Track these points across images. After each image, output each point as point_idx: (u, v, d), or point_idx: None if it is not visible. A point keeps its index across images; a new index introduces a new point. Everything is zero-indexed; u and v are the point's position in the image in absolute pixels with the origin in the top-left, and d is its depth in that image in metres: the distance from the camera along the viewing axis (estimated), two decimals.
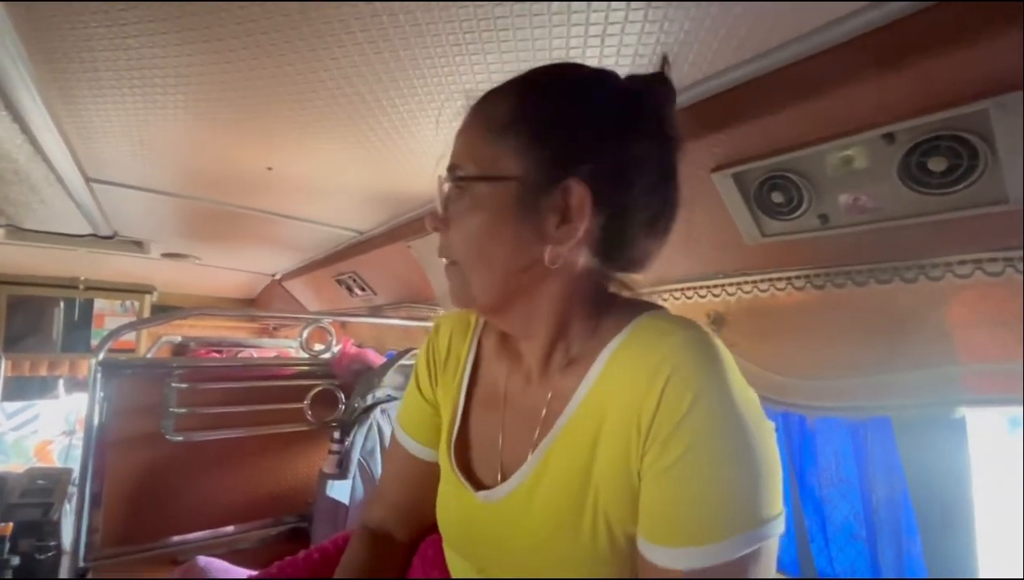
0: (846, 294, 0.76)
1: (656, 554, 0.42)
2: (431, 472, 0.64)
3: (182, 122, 1.05)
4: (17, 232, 2.07)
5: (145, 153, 1.24)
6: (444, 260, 0.53)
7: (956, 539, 0.78)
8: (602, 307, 0.53)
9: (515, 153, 0.48)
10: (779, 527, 0.41)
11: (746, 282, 0.86)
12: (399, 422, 0.71)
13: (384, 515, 0.71)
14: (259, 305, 3.76)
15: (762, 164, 0.70)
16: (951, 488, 0.78)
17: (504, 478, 0.54)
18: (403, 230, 1.57)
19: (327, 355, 1.57)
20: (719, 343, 0.45)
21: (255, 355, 2.70)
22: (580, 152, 0.47)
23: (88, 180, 1.40)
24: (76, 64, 0.83)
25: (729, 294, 0.87)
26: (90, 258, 2.71)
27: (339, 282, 2.31)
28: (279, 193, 1.52)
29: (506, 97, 0.50)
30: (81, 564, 1.22)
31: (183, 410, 1.33)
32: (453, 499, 0.58)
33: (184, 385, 1.34)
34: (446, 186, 0.51)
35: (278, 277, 3.11)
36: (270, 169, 1.26)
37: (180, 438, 1.32)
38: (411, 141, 1.04)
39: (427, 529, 0.72)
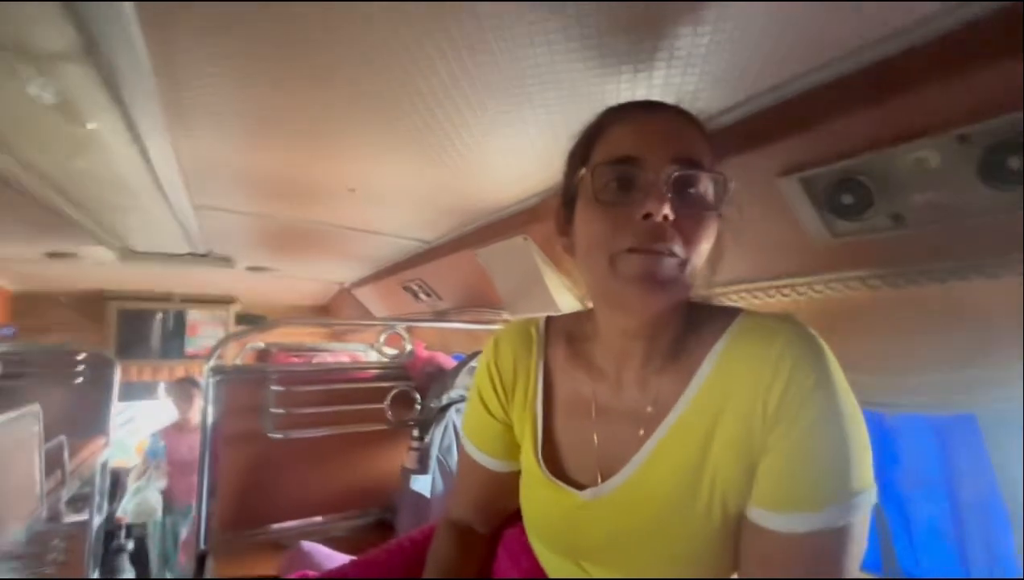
0: (923, 292, 0.76)
1: (776, 521, 0.48)
2: (503, 477, 0.72)
3: (277, 152, 1.18)
4: (128, 254, 2.34)
5: (242, 180, 1.39)
6: (664, 252, 0.50)
7: None
8: (693, 311, 0.59)
9: (712, 161, 0.55)
10: (875, 494, 0.48)
11: (816, 282, 0.87)
12: (466, 435, 0.76)
13: (463, 511, 0.78)
14: (330, 312, 4.01)
15: (831, 168, 0.72)
16: None
17: (604, 477, 0.59)
18: (469, 239, 1.65)
19: (402, 358, 1.69)
20: (815, 331, 0.52)
21: (329, 359, 2.89)
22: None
23: (195, 207, 1.57)
24: (197, 100, 0.95)
25: (799, 294, 0.88)
26: (184, 273, 3.00)
27: (405, 289, 2.44)
28: (354, 209, 1.64)
29: (690, 118, 0.57)
30: (202, 547, 1.38)
31: (280, 410, 1.47)
32: (550, 503, 0.63)
33: (281, 388, 1.48)
34: (673, 174, 0.51)
35: (347, 285, 3.31)
36: (353, 190, 1.37)
37: (279, 436, 1.47)
38: (479, 157, 1.11)
39: (506, 520, 0.79)
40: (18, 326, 3.16)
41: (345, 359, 2.82)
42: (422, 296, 2.36)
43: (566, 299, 1.38)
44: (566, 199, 0.61)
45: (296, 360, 2.98)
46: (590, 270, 0.56)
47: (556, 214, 0.63)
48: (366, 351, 3.04)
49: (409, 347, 1.70)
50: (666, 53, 0.68)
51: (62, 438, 2.01)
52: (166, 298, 3.55)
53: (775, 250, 0.89)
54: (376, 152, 1.14)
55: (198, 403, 2.49)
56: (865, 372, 0.83)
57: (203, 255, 2.38)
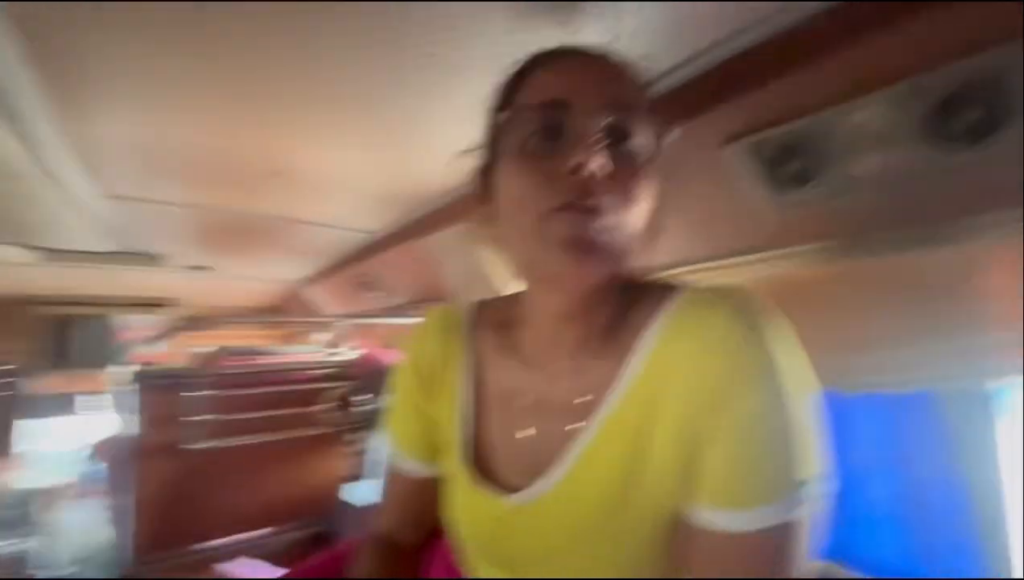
0: (877, 263, 0.72)
1: (723, 520, 0.43)
2: (434, 484, 0.65)
3: (192, 129, 1.06)
4: (41, 253, 2.13)
5: (158, 165, 1.26)
6: (597, 210, 0.44)
7: (999, 514, 0.74)
8: (632, 289, 0.52)
9: (649, 111, 0.48)
10: (828, 479, 0.44)
11: (766, 258, 0.83)
12: (394, 444, 0.68)
13: (391, 526, 0.70)
14: (281, 313, 3.81)
15: (776, 132, 0.67)
16: (993, 461, 0.74)
17: (537, 476, 0.52)
18: (416, 228, 1.56)
19: (347, 358, 1.58)
20: (765, 303, 0.46)
21: (274, 362, 2.73)
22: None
23: (105, 196, 1.42)
24: (83, 78, 0.84)
25: (747, 272, 0.84)
26: (112, 275, 2.78)
27: (356, 285, 2.32)
28: (290, 197, 1.53)
29: (625, 65, 0.50)
30: (119, 572, 1.25)
31: (208, 417, 1.35)
32: (478, 509, 0.56)
33: (208, 393, 1.36)
34: (607, 120, 0.45)
35: (297, 284, 3.15)
36: (278, 173, 1.26)
37: (205, 446, 1.34)
38: (419, 138, 1.03)
39: (435, 531, 0.71)
40: None
41: (294, 360, 2.68)
42: (373, 291, 2.25)
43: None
44: (485, 161, 0.53)
45: (240, 363, 2.80)
46: (515, 236, 0.48)
47: (478, 179, 0.55)
48: (323, 352, 2.89)
49: (353, 345, 1.59)
50: (596, 10, 0.62)
51: None
52: (95, 302, 3.28)
53: (721, 227, 0.84)
54: (309, 133, 1.04)
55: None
56: (820, 351, 0.79)
57: (129, 253, 2.18)
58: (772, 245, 0.82)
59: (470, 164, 0.56)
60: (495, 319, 0.61)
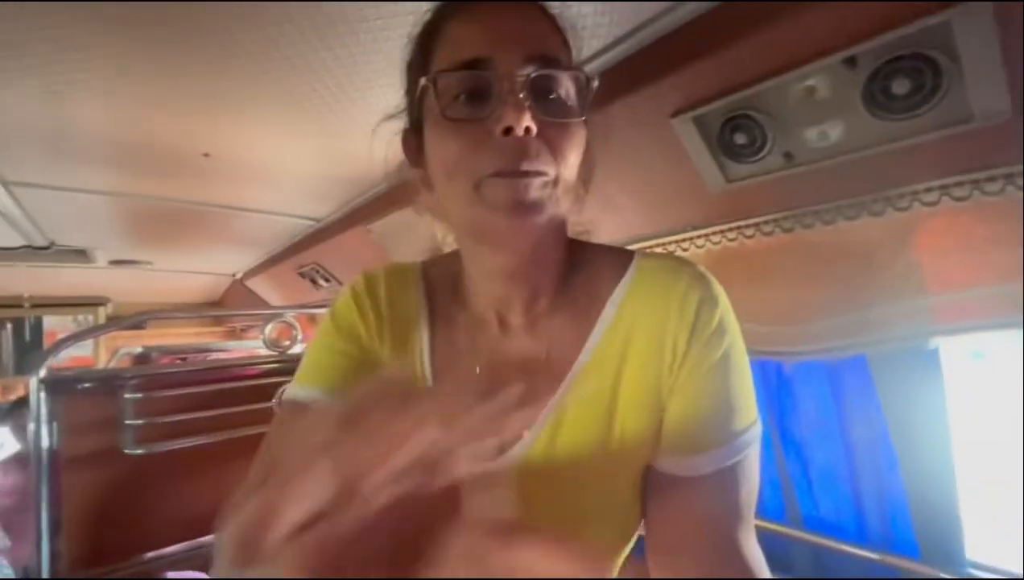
0: (815, 234, 0.74)
1: (685, 465, 0.47)
2: None
3: (100, 108, 0.96)
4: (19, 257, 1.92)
5: (65, 148, 1.14)
6: (526, 165, 0.43)
7: (936, 471, 0.79)
8: (578, 252, 0.54)
9: (570, 59, 0.48)
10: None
11: (713, 233, 0.84)
12: (305, 382, 0.55)
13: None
14: (223, 307, 3.61)
15: (722, 104, 0.67)
16: (929, 421, 0.78)
17: (503, 447, 0.50)
18: (361, 213, 1.50)
19: (294, 351, 1.51)
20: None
21: (217, 358, 2.60)
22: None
23: (5, 183, 1.28)
24: None
25: (698, 246, 0.84)
26: (33, 273, 2.55)
27: (302, 275, 2.22)
28: (224, 183, 1.43)
29: (554, 16, 0.48)
30: None
31: (140, 421, 1.25)
32: None
33: (140, 395, 1.26)
34: (531, 76, 0.43)
35: (239, 276, 2.99)
36: (206, 156, 1.17)
37: (140, 451, 1.25)
38: (357, 117, 0.97)
39: None
40: None
41: (238, 356, 2.55)
42: (321, 282, 2.16)
43: None
44: (412, 120, 0.51)
45: (180, 363, 2.65)
46: (452, 202, 0.47)
47: (404, 141, 0.52)
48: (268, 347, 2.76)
49: (301, 338, 1.52)
50: None
51: None
52: (15, 304, 3.01)
53: (670, 202, 0.84)
54: (229, 107, 0.96)
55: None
56: (764, 322, 0.81)
57: (44, 248, 2.00)
58: (719, 218, 0.83)
59: (395, 129, 0.53)
60: (441, 277, 0.58)
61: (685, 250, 0.86)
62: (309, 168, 1.29)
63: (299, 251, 2.02)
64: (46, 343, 3.15)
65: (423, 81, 0.45)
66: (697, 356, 0.47)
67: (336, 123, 1.01)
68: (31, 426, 1.18)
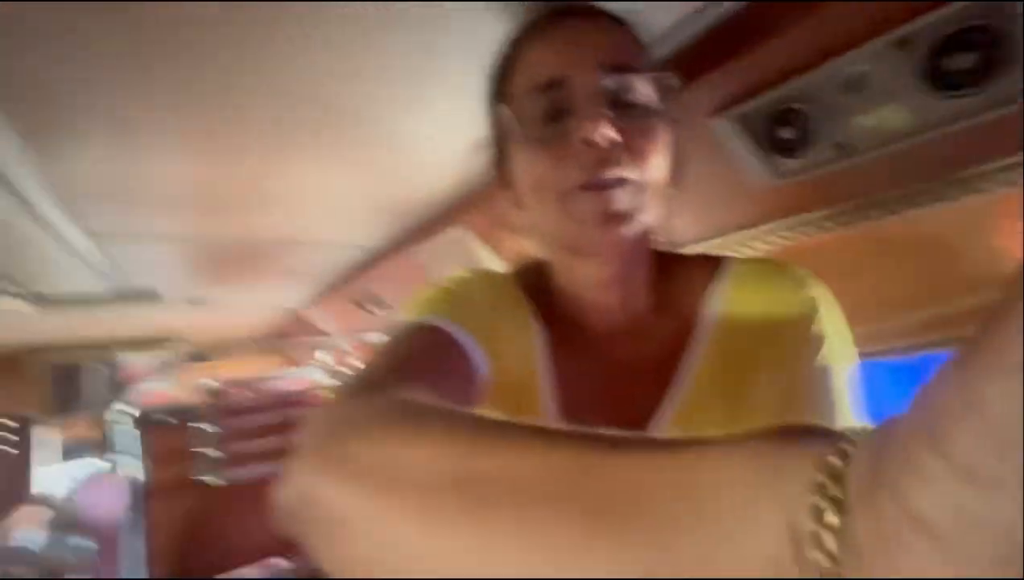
0: (883, 226, 0.69)
1: None
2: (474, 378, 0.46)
3: (170, 160, 1.04)
4: (41, 300, 2.11)
5: (135, 198, 1.24)
6: (610, 173, 0.43)
7: None
8: (664, 260, 0.54)
9: (648, 61, 0.49)
10: None
11: (766, 233, 0.80)
12: (443, 314, 0.47)
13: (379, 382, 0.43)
14: (285, 338, 3.79)
15: (764, 99, 0.64)
16: None
17: None
18: (407, 239, 1.54)
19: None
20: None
21: (281, 387, 2.71)
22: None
23: (90, 235, 1.40)
24: (53, 118, 0.82)
25: (751, 248, 0.81)
26: (115, 316, 2.77)
27: (355, 303, 2.30)
28: (279, 220, 1.51)
29: (615, 18, 0.49)
30: None
31: (214, 452, 1.32)
32: None
33: (213, 427, 1.33)
34: (607, 85, 0.43)
35: (298, 308, 3.13)
36: (264, 197, 1.24)
37: (215, 479, 1.32)
38: (403, 147, 1.00)
39: None
40: None
41: (301, 386, 2.66)
42: (372, 308, 2.22)
43: None
44: (497, 151, 0.54)
45: (250, 394, 2.79)
46: (542, 218, 0.50)
47: (494, 167, 0.55)
48: (330, 373, 2.86)
49: (357, 363, 1.57)
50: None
51: None
52: (99, 345, 3.27)
53: (715, 204, 0.82)
54: (290, 153, 1.03)
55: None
56: None
57: (125, 292, 2.17)
58: (772, 217, 0.79)
59: (482, 156, 0.57)
60: (534, 284, 0.58)
61: (736, 253, 0.83)
62: (356, 198, 1.35)
63: (350, 280, 2.09)
64: (129, 381, 3.40)
65: (503, 108, 0.49)
66: (806, 362, 0.46)
67: (382, 159, 1.05)
68: (116, 458, 1.28)
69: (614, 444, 0.22)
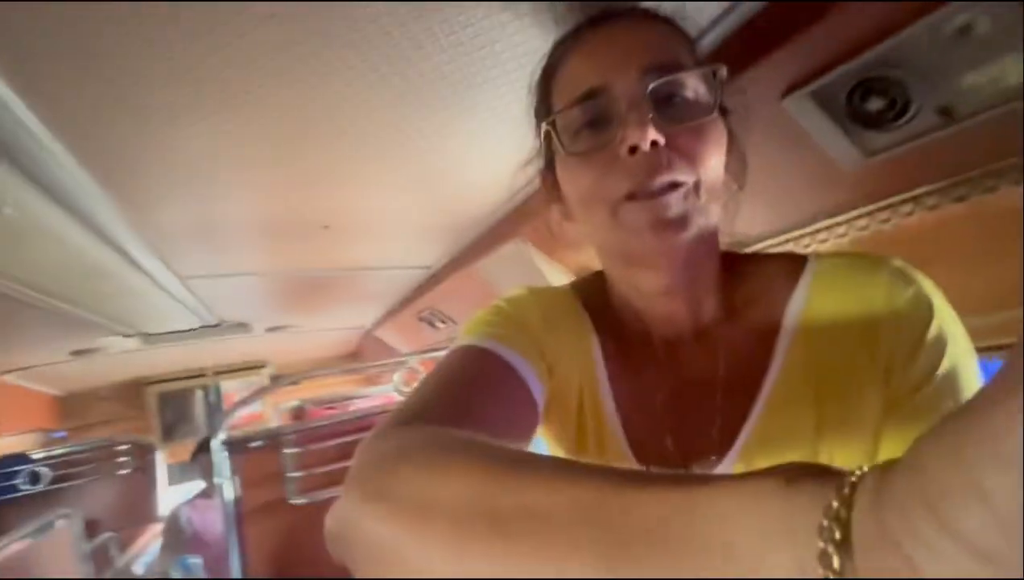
0: (1000, 200, 0.59)
1: None
2: (530, 401, 0.45)
3: (244, 201, 1.10)
4: (147, 337, 2.34)
5: (220, 241, 1.33)
6: (660, 180, 0.40)
7: None
8: (738, 263, 0.50)
9: (693, 57, 0.46)
10: None
11: (857, 217, 0.71)
12: (493, 337, 0.47)
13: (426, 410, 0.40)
14: (358, 357, 3.97)
15: (846, 69, 0.57)
16: None
17: (690, 457, 0.47)
18: (467, 255, 1.55)
19: None
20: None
21: (360, 406, 2.82)
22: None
23: (181, 278, 1.53)
24: (142, 177, 0.89)
25: (839, 236, 0.73)
26: (209, 347, 3.01)
27: (421, 320, 2.35)
28: (343, 248, 1.57)
29: (655, 18, 0.46)
30: None
31: (299, 473, 1.38)
32: None
33: (298, 449, 1.40)
34: (649, 87, 0.41)
35: (369, 328, 3.26)
36: (326, 227, 1.29)
37: (302, 500, 1.37)
38: (455, 166, 1.01)
39: None
40: (66, 428, 3.23)
41: (379, 403, 2.75)
42: (438, 324, 2.26)
43: None
44: (545, 163, 0.52)
45: (331, 412, 2.93)
46: (594, 232, 0.48)
47: (542, 180, 0.54)
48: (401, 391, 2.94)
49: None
50: None
51: (108, 535, 1.98)
52: (200, 374, 3.58)
53: (797, 193, 0.74)
54: (351, 183, 1.06)
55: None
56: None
57: (215, 325, 2.35)
58: (863, 200, 0.71)
59: (530, 171, 0.55)
60: (594, 298, 0.55)
61: (824, 242, 0.74)
62: (416, 220, 1.37)
63: (416, 298, 2.14)
64: (225, 405, 3.68)
65: (544, 125, 0.47)
66: (915, 370, 0.41)
67: (436, 177, 1.06)
68: (216, 481, 1.37)
69: (633, 480, 0.23)
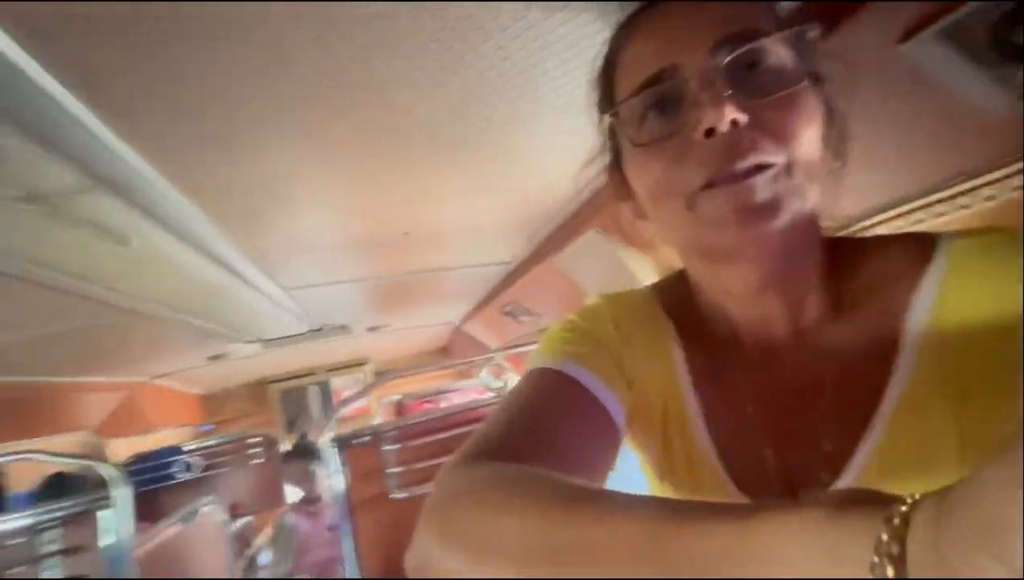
0: None
1: None
2: (611, 436, 0.43)
3: (339, 215, 1.17)
4: (263, 343, 2.60)
5: (317, 253, 1.43)
6: (743, 163, 0.35)
7: None
8: (849, 248, 0.43)
9: (772, 19, 0.40)
10: None
11: (1012, 173, 0.58)
12: (567, 357, 0.45)
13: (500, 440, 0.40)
14: (449, 352, 4.14)
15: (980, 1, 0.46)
16: None
17: (795, 475, 0.42)
18: (544, 248, 1.52)
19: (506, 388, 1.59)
20: None
21: (455, 400, 2.92)
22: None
23: (286, 289, 1.66)
24: (238, 199, 0.97)
25: (987, 199, 0.60)
26: (316, 349, 3.29)
27: (505, 314, 2.37)
28: (426, 251, 1.62)
29: None
30: None
31: (399, 469, 1.45)
32: None
33: (397, 446, 1.47)
34: (724, 62, 0.36)
35: (458, 324, 3.36)
36: (407, 234, 1.34)
37: (403, 495, 1.44)
38: (523, 162, 0.99)
39: None
40: (210, 422, 3.70)
41: (473, 396, 2.83)
42: (522, 318, 2.27)
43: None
44: (612, 158, 0.47)
45: (427, 406, 3.06)
46: (670, 228, 0.43)
47: (609, 177, 0.49)
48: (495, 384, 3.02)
49: (513, 376, 1.60)
50: None
51: (246, 520, 2.24)
52: (311, 372, 3.94)
53: (929, 153, 0.62)
54: (430, 188, 1.09)
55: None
56: None
57: (319, 329, 2.55)
58: (1011, 154, 0.58)
59: (596, 169, 0.50)
60: (677, 301, 0.50)
61: (966, 207, 0.62)
62: (491, 218, 1.37)
63: (499, 293, 2.16)
64: (335, 400, 4.01)
65: (607, 118, 0.43)
66: None
67: (508, 174, 1.05)
68: (324, 476, 1.47)
69: (688, 513, 0.23)
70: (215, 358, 2.83)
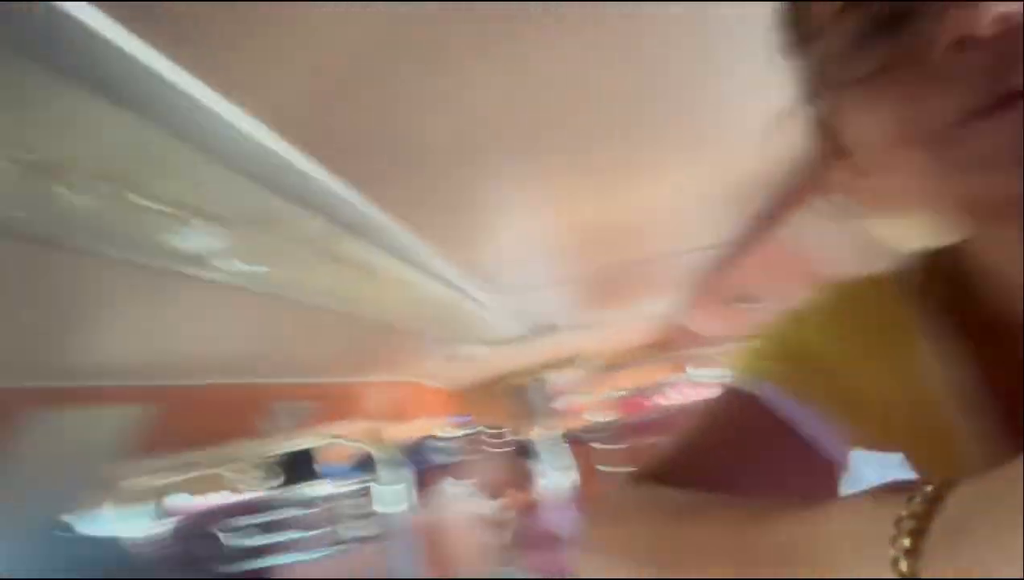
0: None
1: None
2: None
3: (552, 217, 1.23)
4: (490, 343, 2.90)
5: (527, 257, 1.53)
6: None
7: None
8: None
9: None
10: None
11: None
12: (762, 374, 0.39)
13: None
14: (663, 345, 3.98)
15: None
16: None
17: None
18: (763, 225, 1.33)
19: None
20: None
21: (668, 396, 2.79)
22: None
23: (503, 294, 1.82)
24: (446, 217, 1.10)
25: None
26: (533, 347, 3.53)
27: (726, 302, 2.16)
28: (638, 239, 1.58)
29: None
30: None
31: (610, 468, 1.43)
32: None
33: (610, 446, 1.46)
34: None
35: (672, 314, 3.19)
36: (618, 221, 1.33)
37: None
38: (721, 132, 0.88)
39: None
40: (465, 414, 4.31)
41: (687, 393, 2.66)
42: (742, 305, 2.03)
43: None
44: (817, 111, 0.37)
45: (643, 403, 3.00)
46: (914, 184, 0.32)
47: (814, 132, 0.38)
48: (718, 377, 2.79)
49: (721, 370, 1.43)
50: None
51: (498, 503, 2.54)
52: (532, 370, 4.23)
53: None
54: (628, 175, 1.07)
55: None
56: None
57: (533, 329, 2.72)
58: None
59: (797, 127, 0.39)
60: (932, 283, 0.39)
61: None
62: (697, 199, 1.27)
63: (715, 280, 1.98)
64: (555, 395, 4.23)
65: (809, 56, 0.34)
66: None
67: (706, 148, 0.96)
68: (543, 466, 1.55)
69: (776, 507, 0.25)
70: (451, 358, 3.27)
